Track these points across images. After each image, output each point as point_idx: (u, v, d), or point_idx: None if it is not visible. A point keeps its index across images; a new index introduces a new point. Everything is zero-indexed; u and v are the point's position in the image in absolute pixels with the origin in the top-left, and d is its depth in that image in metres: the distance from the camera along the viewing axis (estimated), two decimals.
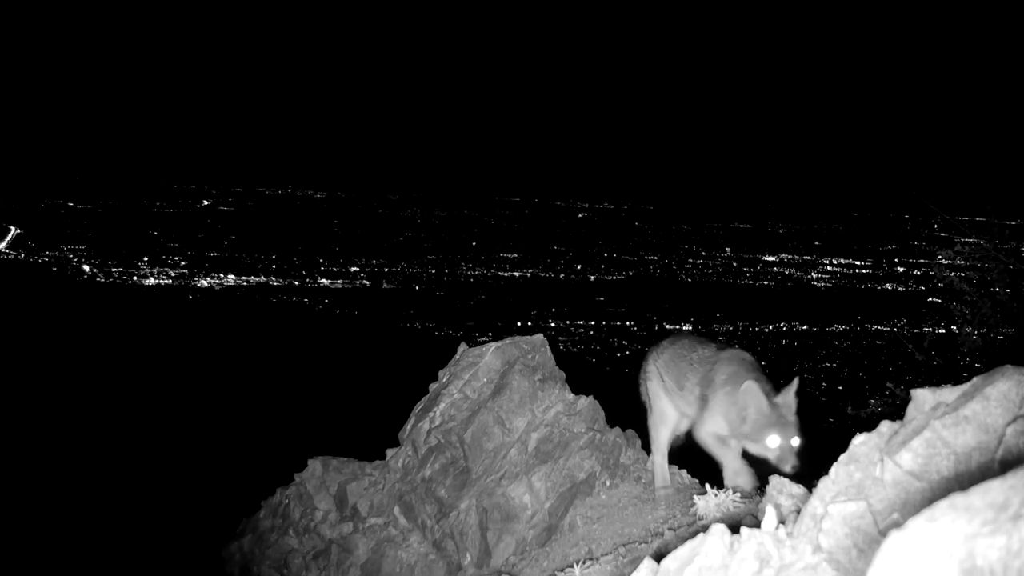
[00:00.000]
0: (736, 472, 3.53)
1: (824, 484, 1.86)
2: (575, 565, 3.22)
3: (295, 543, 5.51)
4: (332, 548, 5.05)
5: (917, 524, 0.83)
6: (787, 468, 3.11)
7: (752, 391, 3.17)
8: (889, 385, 6.47)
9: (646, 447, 4.83)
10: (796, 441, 3.21)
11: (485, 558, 4.33)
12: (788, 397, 3.25)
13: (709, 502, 3.30)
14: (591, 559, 3.45)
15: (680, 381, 3.70)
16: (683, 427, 3.93)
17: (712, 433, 3.51)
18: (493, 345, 5.16)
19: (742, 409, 3.24)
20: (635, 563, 2.13)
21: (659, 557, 1.95)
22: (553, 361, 5.12)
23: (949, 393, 2.01)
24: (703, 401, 3.50)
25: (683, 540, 1.90)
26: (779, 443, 3.20)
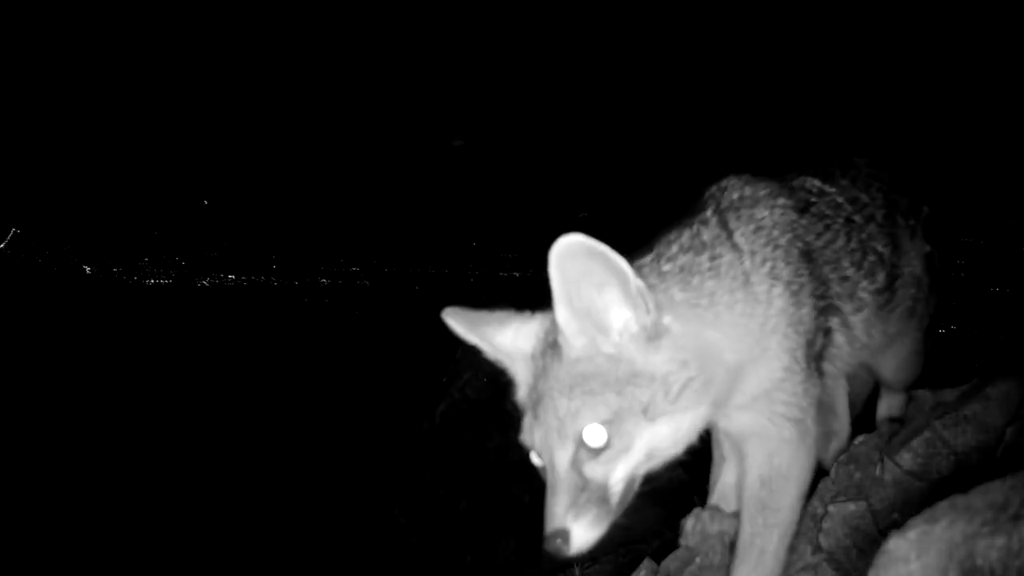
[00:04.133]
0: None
1: (824, 484, 1.86)
2: (575, 565, 3.21)
3: None
4: None
5: (917, 524, 0.83)
6: None
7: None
8: None
9: None
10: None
11: (485, 557, 4.32)
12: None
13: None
14: (591, 559, 3.45)
15: None
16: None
17: None
18: None
19: None
20: (635, 563, 2.14)
21: (659, 557, 1.95)
22: None
23: (949, 393, 2.01)
24: None
25: None
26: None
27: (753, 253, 1.46)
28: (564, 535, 1.32)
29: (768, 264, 1.47)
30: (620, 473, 1.32)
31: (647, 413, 1.30)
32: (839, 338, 1.61)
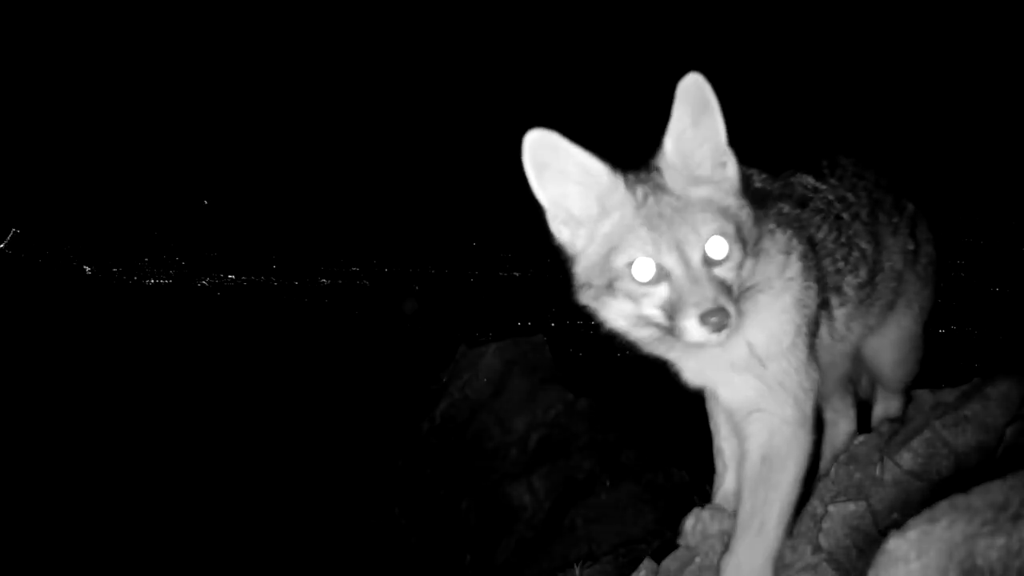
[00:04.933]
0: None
1: (824, 484, 1.86)
2: (575, 565, 3.22)
3: None
4: None
5: (917, 524, 0.83)
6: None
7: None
8: None
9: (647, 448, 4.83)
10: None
11: (485, 557, 4.32)
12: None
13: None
14: (591, 559, 3.45)
15: None
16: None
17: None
18: (493, 345, 5.17)
19: None
20: (635, 563, 2.13)
21: (659, 557, 1.95)
22: (552, 361, 5.12)
23: (949, 393, 2.01)
24: None
25: None
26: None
27: (777, 223, 1.62)
28: (724, 310, 1.37)
29: (786, 234, 1.61)
30: (735, 282, 1.46)
31: (743, 243, 1.47)
32: (822, 331, 1.70)
